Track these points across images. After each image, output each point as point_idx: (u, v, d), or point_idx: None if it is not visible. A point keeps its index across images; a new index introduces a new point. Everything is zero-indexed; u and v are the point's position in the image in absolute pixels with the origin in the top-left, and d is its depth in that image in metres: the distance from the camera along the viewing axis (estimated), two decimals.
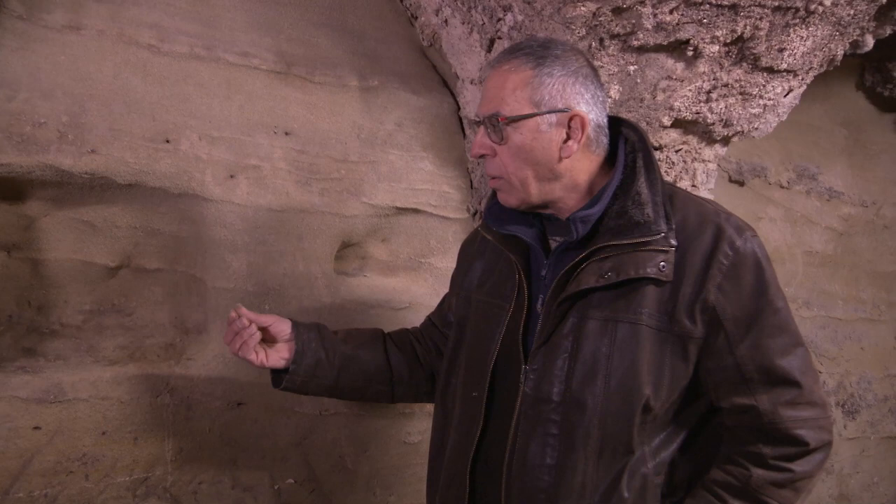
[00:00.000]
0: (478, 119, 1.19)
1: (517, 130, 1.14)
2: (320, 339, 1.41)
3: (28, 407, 1.45)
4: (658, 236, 1.12)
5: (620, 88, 1.68)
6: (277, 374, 1.40)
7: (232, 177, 1.69)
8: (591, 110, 1.15)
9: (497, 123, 1.15)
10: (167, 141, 1.62)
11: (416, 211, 1.95)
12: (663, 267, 1.11)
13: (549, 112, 1.13)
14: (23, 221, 1.58)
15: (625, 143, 1.22)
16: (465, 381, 1.29)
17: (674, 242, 1.12)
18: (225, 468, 1.66)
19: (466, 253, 1.46)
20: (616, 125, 1.24)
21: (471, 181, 2.04)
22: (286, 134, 1.77)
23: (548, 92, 1.13)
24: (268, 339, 1.38)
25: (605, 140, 1.20)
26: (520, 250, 1.25)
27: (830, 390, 2.76)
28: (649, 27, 1.53)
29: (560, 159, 1.15)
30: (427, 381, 1.50)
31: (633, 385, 1.11)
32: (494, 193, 1.30)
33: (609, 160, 1.22)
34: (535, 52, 1.15)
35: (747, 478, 1.13)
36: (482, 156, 1.20)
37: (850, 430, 2.80)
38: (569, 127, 1.14)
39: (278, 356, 1.36)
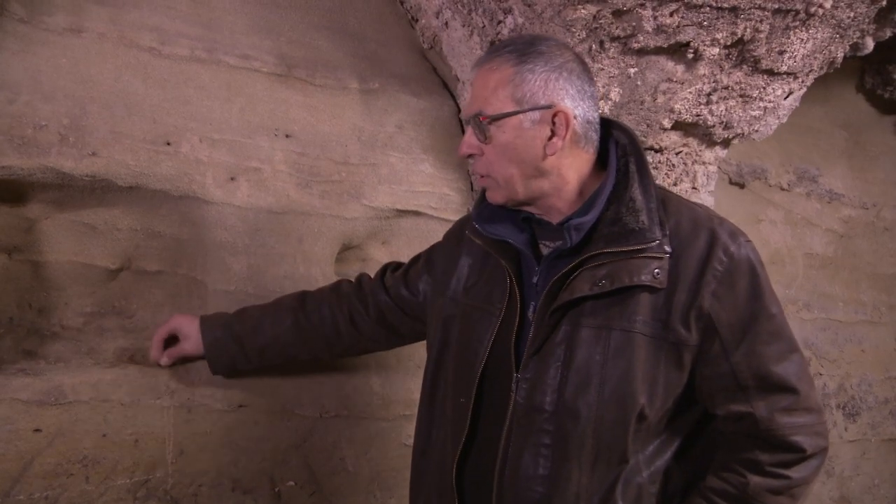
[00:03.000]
0: (465, 119, 1.19)
1: (500, 129, 1.13)
2: (232, 339, 1.53)
3: (28, 409, 1.45)
4: (653, 243, 1.10)
5: (621, 91, 1.68)
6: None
7: (232, 179, 1.69)
8: (578, 105, 1.13)
9: (481, 123, 1.13)
10: (168, 143, 1.62)
11: (416, 213, 1.95)
12: (657, 274, 1.10)
13: (531, 109, 1.11)
14: (24, 224, 1.58)
15: (616, 146, 1.19)
16: (454, 385, 1.27)
17: (668, 249, 1.11)
18: (225, 470, 1.66)
19: (453, 243, 1.42)
20: (606, 127, 1.21)
21: (471, 183, 2.04)
22: (287, 136, 1.77)
23: (529, 89, 1.11)
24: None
25: (595, 136, 1.18)
26: (510, 256, 1.22)
27: (831, 392, 2.76)
28: (649, 30, 1.53)
29: (545, 156, 1.13)
30: (349, 347, 1.59)
31: (628, 393, 1.10)
32: (482, 197, 1.28)
33: (600, 163, 1.20)
34: (519, 49, 1.13)
35: (744, 485, 1.11)
36: (470, 155, 1.19)
37: (851, 432, 2.80)
38: (553, 123, 1.12)
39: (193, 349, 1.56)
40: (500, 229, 1.23)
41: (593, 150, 1.19)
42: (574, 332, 1.13)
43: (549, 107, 1.11)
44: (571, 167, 1.16)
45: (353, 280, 1.58)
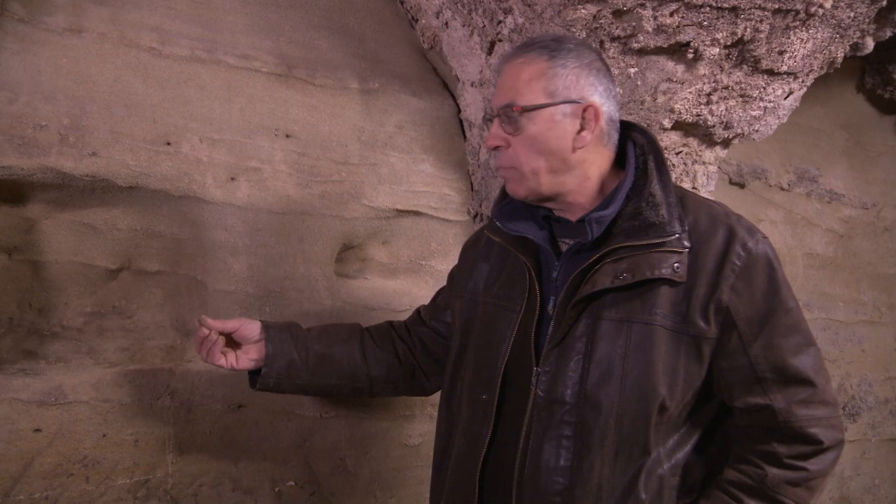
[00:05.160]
0: (490, 113, 1.20)
1: (532, 121, 1.15)
2: (292, 339, 1.45)
3: (29, 409, 1.45)
4: (672, 237, 1.12)
5: (621, 91, 1.68)
6: (253, 376, 1.46)
7: (233, 179, 1.69)
8: (605, 102, 1.17)
9: (512, 114, 1.15)
10: (168, 143, 1.62)
11: (416, 213, 1.95)
12: (677, 268, 1.12)
13: (563, 102, 1.14)
14: (24, 224, 1.58)
15: (633, 145, 1.22)
16: (473, 384, 1.28)
17: (687, 244, 1.13)
18: (225, 470, 1.66)
19: (470, 254, 1.45)
20: (623, 129, 1.24)
21: (471, 183, 2.04)
22: (287, 136, 1.77)
23: (562, 83, 1.14)
24: (238, 341, 1.42)
25: (615, 136, 1.21)
26: (530, 252, 1.25)
27: None
28: (650, 30, 1.53)
29: (573, 150, 1.16)
30: (406, 377, 1.52)
31: (649, 385, 1.11)
32: (503, 195, 1.30)
33: (617, 162, 1.23)
34: (549, 45, 1.16)
35: (763, 477, 1.13)
36: (496, 147, 1.20)
37: (851, 432, 2.80)
38: (583, 118, 1.15)
39: (247, 358, 1.41)
40: (520, 226, 1.26)
41: (613, 149, 1.22)
42: (595, 325, 1.15)
43: (580, 101, 1.15)
44: (594, 164, 1.19)
45: (393, 321, 1.60)
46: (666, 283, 1.13)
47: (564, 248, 1.24)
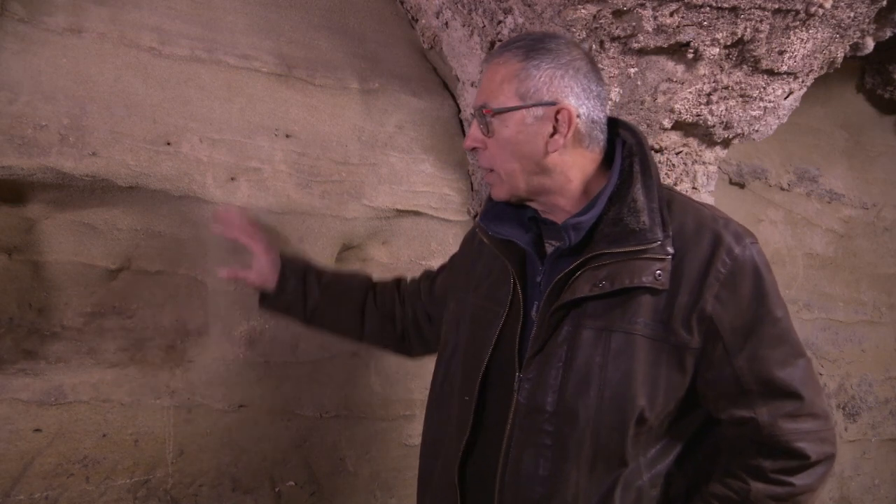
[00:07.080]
0: (472, 112, 1.19)
1: (503, 123, 1.13)
2: (303, 283, 1.51)
3: (29, 409, 1.45)
4: (654, 244, 1.09)
5: (621, 91, 1.68)
6: (262, 296, 1.52)
7: (233, 179, 1.69)
8: (582, 104, 1.12)
9: (484, 116, 1.14)
10: (168, 143, 1.62)
11: (416, 213, 1.95)
12: (659, 275, 1.08)
13: (534, 105, 1.11)
14: (24, 224, 1.58)
15: (622, 145, 1.19)
16: (461, 384, 1.27)
17: (670, 250, 1.09)
18: (225, 470, 1.66)
19: (467, 248, 1.43)
20: (614, 127, 1.21)
21: (471, 183, 2.04)
22: (287, 136, 1.77)
23: (534, 84, 1.11)
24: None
25: (601, 136, 1.17)
26: (515, 255, 1.22)
27: (831, 393, 2.76)
28: (650, 30, 1.53)
29: (547, 153, 1.12)
30: (398, 339, 1.56)
31: (628, 396, 1.09)
32: (490, 197, 1.29)
33: (607, 162, 1.19)
34: (527, 45, 1.13)
35: (746, 492, 1.10)
36: (474, 148, 1.19)
37: (851, 432, 2.80)
38: (555, 120, 1.11)
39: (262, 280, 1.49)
40: (505, 229, 1.24)
41: (599, 149, 1.18)
42: (575, 332, 1.13)
43: (552, 104, 1.11)
44: (575, 166, 1.16)
45: (403, 280, 1.61)
46: (648, 290, 1.09)
47: (550, 249, 1.22)
